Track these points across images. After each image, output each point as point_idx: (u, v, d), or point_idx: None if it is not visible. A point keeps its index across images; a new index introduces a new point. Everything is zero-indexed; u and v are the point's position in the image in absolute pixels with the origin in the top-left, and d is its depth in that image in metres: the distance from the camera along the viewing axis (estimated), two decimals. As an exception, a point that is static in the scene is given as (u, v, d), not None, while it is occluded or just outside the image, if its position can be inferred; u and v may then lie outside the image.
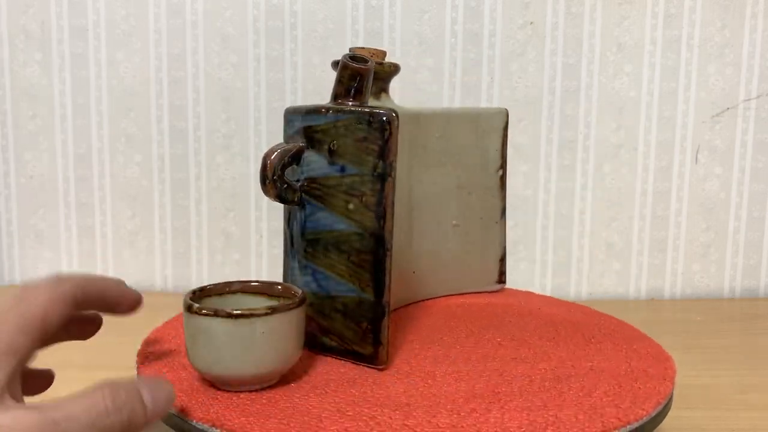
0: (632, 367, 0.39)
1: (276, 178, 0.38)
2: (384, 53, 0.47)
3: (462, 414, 0.33)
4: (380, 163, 0.36)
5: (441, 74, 0.77)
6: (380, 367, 0.38)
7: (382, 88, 0.48)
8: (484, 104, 0.77)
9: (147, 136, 0.78)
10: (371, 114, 0.37)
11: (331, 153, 0.38)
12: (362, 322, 0.38)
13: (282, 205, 0.42)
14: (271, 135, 0.78)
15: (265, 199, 0.79)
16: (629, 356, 0.41)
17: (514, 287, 0.73)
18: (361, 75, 0.39)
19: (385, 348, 0.38)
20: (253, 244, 0.80)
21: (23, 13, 0.77)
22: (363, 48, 0.47)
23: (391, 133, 0.36)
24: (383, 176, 0.37)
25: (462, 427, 0.31)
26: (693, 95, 0.78)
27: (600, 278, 0.80)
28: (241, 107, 0.78)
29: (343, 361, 0.39)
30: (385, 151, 0.36)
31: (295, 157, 0.39)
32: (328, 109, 0.38)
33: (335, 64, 0.48)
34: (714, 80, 0.78)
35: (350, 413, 0.32)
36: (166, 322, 0.47)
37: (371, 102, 0.47)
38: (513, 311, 0.50)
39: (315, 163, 0.39)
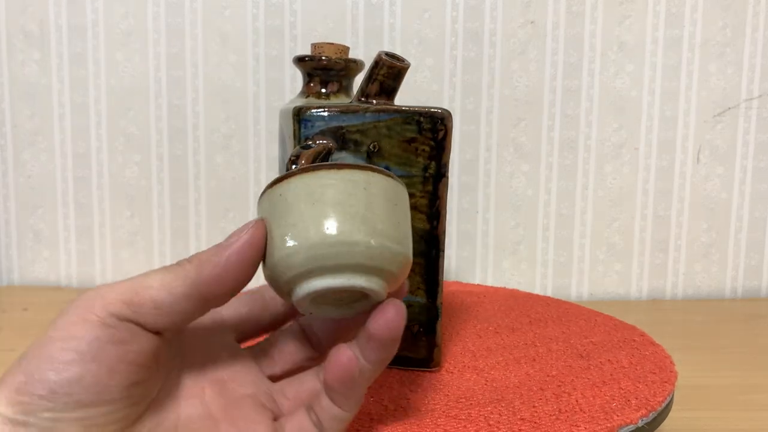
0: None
1: None
2: (348, 48, 0.47)
3: (550, 400, 0.34)
4: (433, 164, 0.36)
5: (441, 73, 0.77)
6: (435, 369, 0.38)
7: (344, 85, 0.47)
8: (485, 104, 0.77)
9: (146, 135, 0.78)
10: (422, 113, 0.36)
11: (371, 154, 0.37)
12: (413, 325, 0.37)
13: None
14: (270, 135, 0.78)
15: (265, 199, 0.79)
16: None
17: (515, 288, 0.73)
18: (400, 73, 0.38)
19: (440, 349, 0.38)
20: (253, 244, 0.79)
21: (22, 12, 0.77)
22: (331, 44, 0.46)
23: (446, 133, 0.35)
24: (437, 177, 0.36)
25: (566, 412, 0.32)
26: (694, 95, 0.78)
27: (601, 278, 0.80)
28: (240, 107, 0.77)
29: (387, 369, 0.38)
30: (439, 152, 0.35)
31: (325, 159, 0.38)
32: (366, 109, 0.37)
33: (298, 60, 0.48)
34: (715, 80, 0.77)
35: (462, 417, 0.32)
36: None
37: (335, 99, 0.46)
38: (469, 300, 0.53)
39: None
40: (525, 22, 0.76)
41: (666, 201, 0.79)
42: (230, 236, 0.26)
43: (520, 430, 0.30)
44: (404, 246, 0.26)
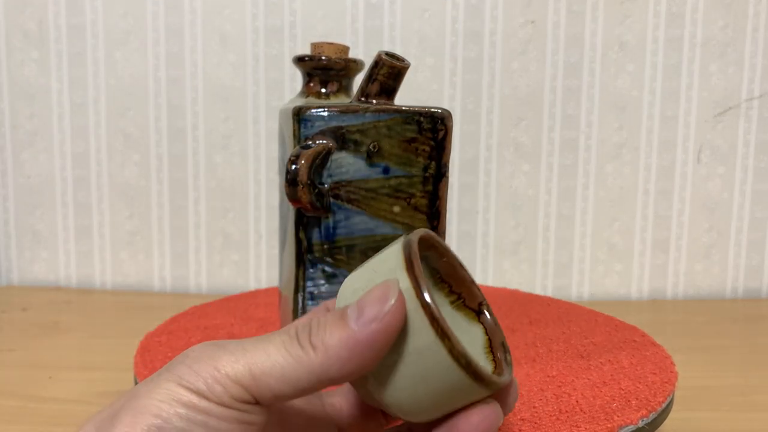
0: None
1: (309, 182, 0.36)
2: (348, 48, 0.47)
3: (550, 400, 0.34)
4: (433, 164, 0.35)
5: (442, 73, 0.77)
6: None
7: (344, 85, 0.47)
8: (485, 103, 0.77)
9: (145, 135, 0.78)
10: (422, 113, 0.35)
11: (371, 154, 0.37)
12: None
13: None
14: (270, 134, 0.78)
15: (264, 199, 0.79)
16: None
17: (516, 288, 0.73)
18: (400, 73, 0.37)
19: None
20: (252, 244, 0.79)
21: (21, 12, 0.76)
22: (331, 43, 0.46)
23: (446, 133, 0.35)
24: (437, 177, 0.36)
25: (566, 413, 0.33)
26: (695, 94, 0.77)
27: (602, 279, 0.80)
28: (239, 106, 0.77)
29: None
30: (439, 151, 0.35)
31: (324, 159, 0.37)
32: (366, 109, 0.36)
33: (298, 59, 0.48)
34: (716, 79, 0.77)
35: None
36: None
37: (334, 99, 0.46)
38: None
39: (349, 165, 0.37)
40: (525, 21, 0.76)
41: (667, 201, 0.79)
42: (362, 310, 0.23)
43: (520, 430, 0.30)
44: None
